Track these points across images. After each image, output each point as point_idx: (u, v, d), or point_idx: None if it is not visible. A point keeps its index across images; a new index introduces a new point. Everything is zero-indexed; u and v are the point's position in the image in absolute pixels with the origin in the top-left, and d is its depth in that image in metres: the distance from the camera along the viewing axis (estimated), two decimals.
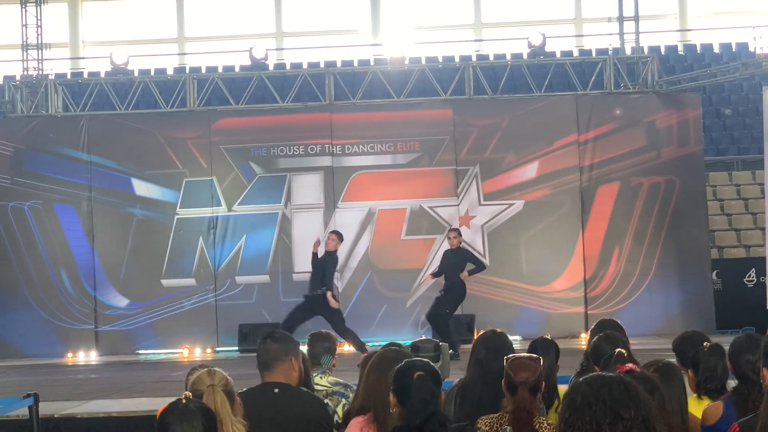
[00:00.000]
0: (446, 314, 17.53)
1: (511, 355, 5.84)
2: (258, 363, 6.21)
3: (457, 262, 17.71)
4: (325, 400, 6.76)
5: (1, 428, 11.07)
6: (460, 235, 18.19)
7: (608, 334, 7.02)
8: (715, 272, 21.09)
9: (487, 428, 5.62)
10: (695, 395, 6.38)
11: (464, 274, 17.61)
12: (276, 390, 6.05)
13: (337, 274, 20.74)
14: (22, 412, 10.65)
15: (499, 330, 6.82)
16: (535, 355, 5.86)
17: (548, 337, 7.23)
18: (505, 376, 5.68)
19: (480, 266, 18.03)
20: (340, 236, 17.74)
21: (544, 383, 5.77)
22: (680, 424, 5.22)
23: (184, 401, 4.32)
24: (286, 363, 6.15)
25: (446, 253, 18.02)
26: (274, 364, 6.11)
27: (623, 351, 5.94)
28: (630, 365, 4.87)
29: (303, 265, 20.64)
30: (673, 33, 31.48)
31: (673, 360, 6.40)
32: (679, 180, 20.76)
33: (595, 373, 3.81)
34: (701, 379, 6.38)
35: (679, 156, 20.86)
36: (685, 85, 22.49)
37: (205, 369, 5.23)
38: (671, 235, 20.69)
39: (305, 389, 6.44)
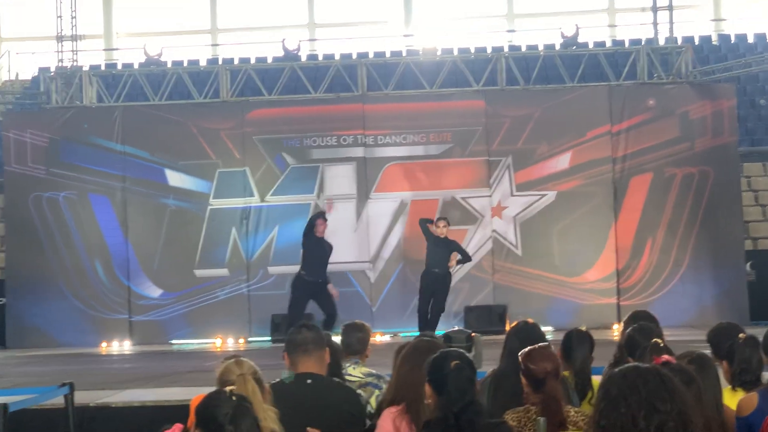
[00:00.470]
0: (443, 309, 17.91)
1: (525, 350, 5.83)
2: (289, 350, 6.20)
3: (448, 252, 18.04)
4: (358, 391, 6.77)
5: (37, 417, 11.14)
6: (449, 224, 18.40)
7: (642, 325, 6.99)
8: (749, 263, 20.95)
9: (515, 423, 5.61)
10: (730, 387, 6.36)
11: (452, 263, 17.99)
12: (309, 381, 6.07)
13: (369, 265, 20.85)
14: (58, 401, 10.71)
15: (531, 321, 6.83)
16: (545, 344, 5.85)
17: (584, 329, 7.21)
18: (524, 370, 5.67)
19: (467, 257, 18.29)
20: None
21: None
22: (715, 416, 5.20)
23: (234, 399, 4.24)
24: (320, 352, 6.18)
25: (437, 242, 18.16)
26: (308, 353, 6.13)
27: (659, 341, 5.93)
28: (666, 357, 4.85)
29: (335, 256, 20.67)
30: (707, 23, 31.28)
31: (707, 352, 6.38)
32: (713, 171, 20.64)
33: (630, 364, 3.79)
34: (736, 371, 6.34)
35: (713, 147, 20.74)
36: (720, 75, 22.36)
37: (233, 359, 5.25)
38: (705, 226, 20.58)
39: (338, 380, 6.47)
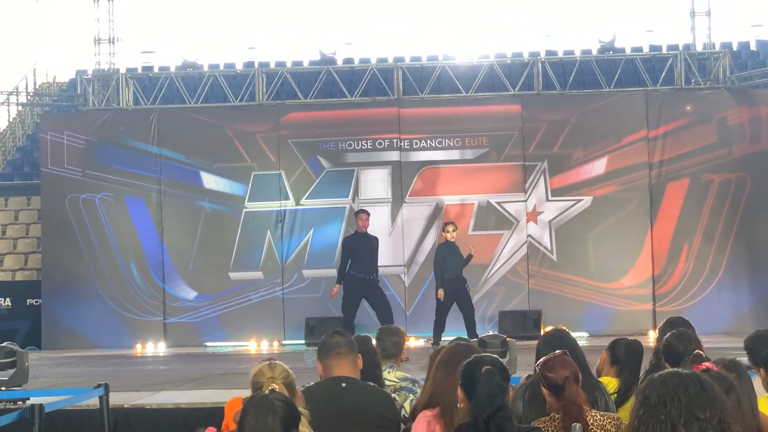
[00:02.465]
0: (473, 308, 18.20)
1: (542, 359, 5.80)
2: (322, 354, 6.20)
3: (460, 258, 18.12)
4: (393, 395, 6.76)
5: (73, 417, 11.20)
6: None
7: (681, 331, 6.94)
8: None
9: None
10: (767, 395, 6.30)
11: None
12: (344, 384, 6.07)
13: (403, 269, 20.82)
14: (93, 402, 10.77)
15: (563, 328, 6.80)
16: (560, 351, 5.82)
17: (636, 338, 7.18)
18: (542, 379, 5.64)
19: (467, 260, 18.25)
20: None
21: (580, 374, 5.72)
22: (753, 424, 5.15)
23: (267, 392, 4.29)
24: (353, 356, 6.18)
25: (452, 247, 18.19)
26: (341, 356, 6.13)
27: (701, 352, 5.88)
28: (707, 364, 4.81)
29: None
30: (746, 28, 31.08)
31: (744, 359, 6.32)
32: (750, 177, 20.50)
33: (671, 370, 3.74)
34: None
35: (750, 153, 20.60)
36: (758, 81, 22.21)
37: (266, 362, 5.25)
38: (742, 233, 20.44)
39: (372, 383, 6.45)
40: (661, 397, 3.59)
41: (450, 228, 18.17)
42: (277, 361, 5.32)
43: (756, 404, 5.50)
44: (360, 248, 18.01)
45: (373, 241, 18.30)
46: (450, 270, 18.00)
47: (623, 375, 6.86)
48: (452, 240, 18.10)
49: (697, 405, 3.56)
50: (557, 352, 5.80)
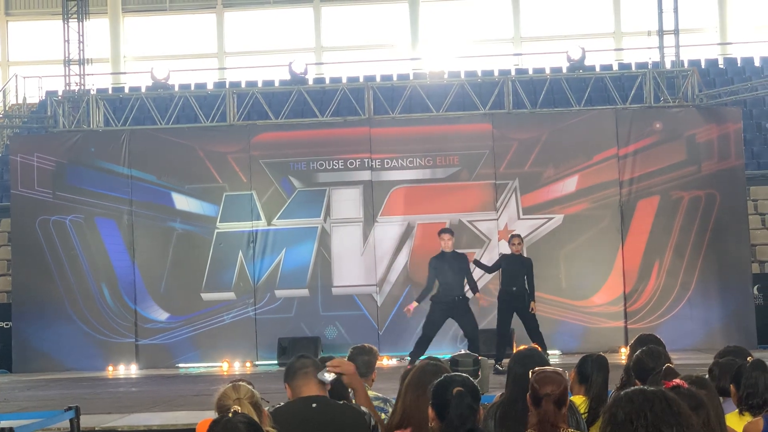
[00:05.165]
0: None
1: (537, 369, 5.83)
2: (290, 377, 6.21)
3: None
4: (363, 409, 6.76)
5: None
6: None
7: (651, 348, 6.97)
8: (756, 287, 20.93)
9: None
10: (737, 411, 6.33)
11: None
12: (314, 405, 6.07)
13: (375, 288, 20.83)
14: (64, 425, 10.71)
15: (535, 346, 6.82)
16: (560, 369, 5.84)
17: (603, 354, 7.20)
18: (530, 390, 5.68)
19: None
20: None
21: (569, 398, 5.74)
22: None
23: (230, 415, 4.30)
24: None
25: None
26: (308, 376, 6.13)
27: (672, 366, 5.91)
28: (677, 381, 4.84)
29: (342, 279, 20.73)
30: (713, 46, 31.34)
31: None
32: (719, 194, 20.63)
33: (637, 388, 3.77)
34: (743, 395, 6.32)
35: (719, 170, 20.74)
36: (726, 99, 22.37)
37: (230, 384, 5.26)
38: (712, 250, 20.56)
39: (343, 401, 6.45)
40: (627, 415, 3.61)
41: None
42: (241, 382, 5.32)
43: (724, 421, 5.53)
44: (445, 268, 16.79)
45: (460, 260, 17.02)
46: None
47: (591, 391, 6.88)
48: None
49: (663, 421, 3.58)
50: (557, 369, 5.81)
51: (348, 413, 6.22)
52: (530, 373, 5.80)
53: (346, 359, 7.19)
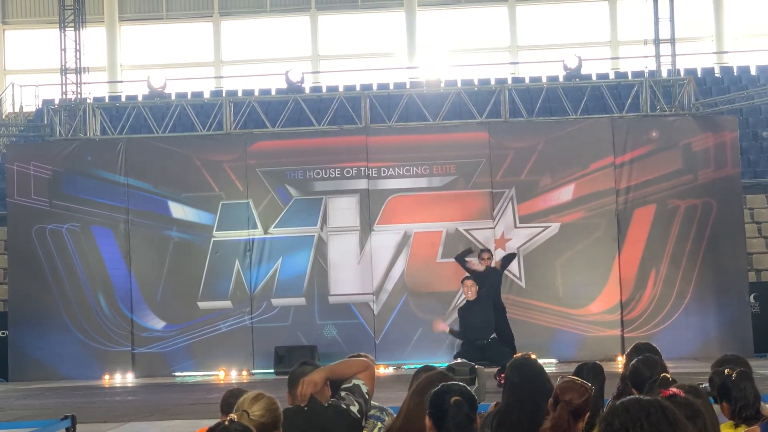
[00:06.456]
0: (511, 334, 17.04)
1: (567, 377, 5.81)
2: (292, 384, 6.23)
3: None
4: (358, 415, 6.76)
5: None
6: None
7: (647, 357, 6.95)
8: (752, 295, 20.94)
9: None
10: (728, 422, 6.30)
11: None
12: (305, 407, 6.09)
13: (372, 297, 20.82)
14: None
15: (531, 354, 6.81)
16: (588, 384, 5.82)
17: (599, 362, 7.20)
18: (553, 396, 5.68)
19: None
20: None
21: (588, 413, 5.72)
22: None
23: (226, 423, 4.26)
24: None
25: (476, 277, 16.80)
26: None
27: (668, 375, 5.90)
28: (674, 389, 4.83)
29: (339, 288, 20.74)
30: (709, 55, 31.38)
31: (706, 385, 6.34)
32: (716, 202, 20.64)
33: (633, 397, 3.76)
34: (735, 409, 6.27)
35: (716, 178, 20.75)
36: (722, 108, 22.39)
37: (254, 393, 5.11)
38: (708, 258, 20.57)
39: (332, 401, 6.46)
40: (623, 424, 3.60)
41: (485, 255, 16.95)
42: (264, 398, 5.12)
43: (719, 431, 5.52)
44: (475, 311, 16.20)
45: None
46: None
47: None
48: (481, 269, 16.75)
49: (659, 431, 3.58)
50: (585, 382, 5.78)
51: (335, 413, 6.24)
52: (559, 378, 5.80)
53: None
